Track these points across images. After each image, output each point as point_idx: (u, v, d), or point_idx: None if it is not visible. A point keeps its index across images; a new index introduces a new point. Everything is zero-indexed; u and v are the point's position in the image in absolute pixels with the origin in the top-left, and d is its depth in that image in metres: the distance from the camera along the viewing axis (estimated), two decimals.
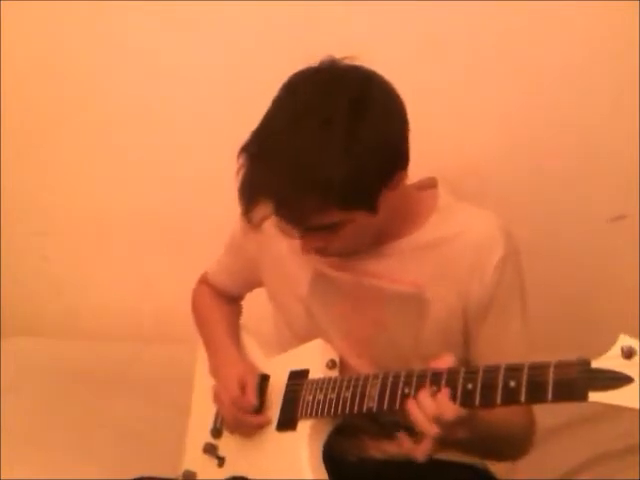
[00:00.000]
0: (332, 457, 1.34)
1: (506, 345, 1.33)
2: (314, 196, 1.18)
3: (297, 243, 1.32)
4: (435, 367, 1.16)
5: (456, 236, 1.33)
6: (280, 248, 1.45)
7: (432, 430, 1.12)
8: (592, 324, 1.85)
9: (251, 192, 1.22)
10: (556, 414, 1.39)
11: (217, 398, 1.46)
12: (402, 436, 1.17)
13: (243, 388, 1.42)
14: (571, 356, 1.02)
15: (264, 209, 1.22)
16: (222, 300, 1.65)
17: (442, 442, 1.15)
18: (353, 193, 1.19)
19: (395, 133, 1.25)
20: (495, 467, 1.51)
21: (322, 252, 1.31)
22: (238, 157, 1.24)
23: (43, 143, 2.43)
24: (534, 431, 1.37)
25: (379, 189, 1.23)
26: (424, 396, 1.14)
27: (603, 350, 1.00)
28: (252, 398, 1.40)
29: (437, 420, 1.12)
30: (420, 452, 1.16)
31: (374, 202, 1.23)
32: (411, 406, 1.15)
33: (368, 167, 1.19)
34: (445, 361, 1.16)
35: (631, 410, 0.95)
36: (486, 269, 1.30)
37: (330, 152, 1.17)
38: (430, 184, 1.42)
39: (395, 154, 1.25)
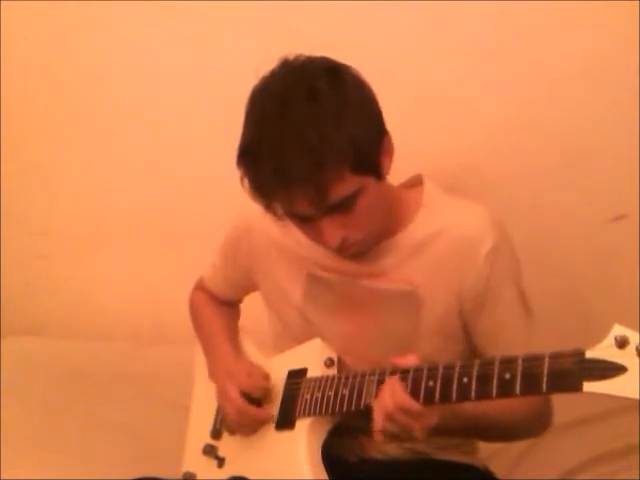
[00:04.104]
0: (332, 457, 1.34)
1: (506, 336, 1.33)
2: (331, 164, 1.17)
3: (300, 250, 1.32)
4: (429, 362, 1.16)
5: (444, 231, 1.32)
6: (272, 253, 1.45)
7: (380, 423, 1.15)
8: (592, 324, 1.84)
9: (268, 187, 1.21)
10: (556, 414, 1.38)
11: (222, 392, 1.45)
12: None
13: (250, 375, 1.42)
14: None
15: (283, 202, 1.23)
16: (219, 304, 1.64)
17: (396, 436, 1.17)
18: (361, 154, 1.20)
19: (372, 93, 1.26)
20: (495, 467, 1.51)
21: (344, 245, 1.27)
22: (238, 164, 1.23)
23: (43, 143, 2.43)
24: (549, 408, 1.36)
25: (378, 150, 1.25)
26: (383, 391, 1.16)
27: None
28: (261, 380, 1.41)
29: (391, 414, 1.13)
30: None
31: (378, 165, 1.25)
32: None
33: (364, 126, 1.21)
34: (411, 359, 1.18)
35: (625, 399, 0.95)
36: (477, 261, 1.30)
37: (328, 119, 1.18)
38: (416, 181, 1.41)
39: (378, 114, 1.27)
